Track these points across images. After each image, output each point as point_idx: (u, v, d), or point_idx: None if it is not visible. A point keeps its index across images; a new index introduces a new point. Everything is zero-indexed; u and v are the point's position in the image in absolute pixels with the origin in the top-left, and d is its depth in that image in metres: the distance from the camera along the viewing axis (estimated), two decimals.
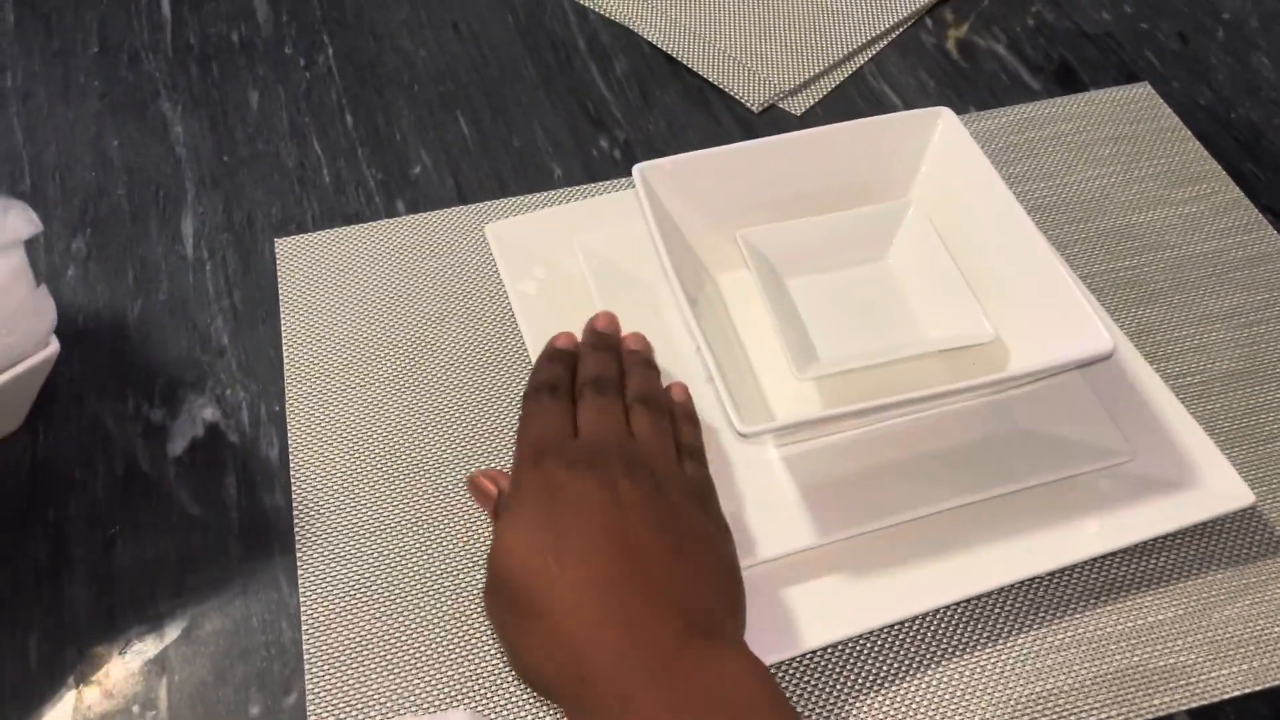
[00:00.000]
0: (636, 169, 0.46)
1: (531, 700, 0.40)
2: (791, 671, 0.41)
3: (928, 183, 0.49)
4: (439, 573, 0.43)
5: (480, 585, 0.43)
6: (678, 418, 0.43)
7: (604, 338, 0.45)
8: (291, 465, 0.46)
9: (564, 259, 0.51)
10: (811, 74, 0.62)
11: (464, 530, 0.44)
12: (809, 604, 0.40)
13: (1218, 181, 0.56)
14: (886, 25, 0.65)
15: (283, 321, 0.51)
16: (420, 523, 0.44)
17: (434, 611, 0.42)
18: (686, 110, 0.61)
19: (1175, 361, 0.49)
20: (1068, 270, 0.43)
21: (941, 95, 0.62)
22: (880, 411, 0.41)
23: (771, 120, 0.61)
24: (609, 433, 0.39)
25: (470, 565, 0.44)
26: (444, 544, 0.44)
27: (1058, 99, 0.61)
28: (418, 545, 0.44)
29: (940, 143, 0.48)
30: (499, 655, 0.41)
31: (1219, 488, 0.42)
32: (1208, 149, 0.58)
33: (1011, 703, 0.40)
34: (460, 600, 0.43)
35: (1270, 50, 0.64)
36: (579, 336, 0.46)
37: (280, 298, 0.52)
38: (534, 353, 0.48)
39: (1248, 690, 0.40)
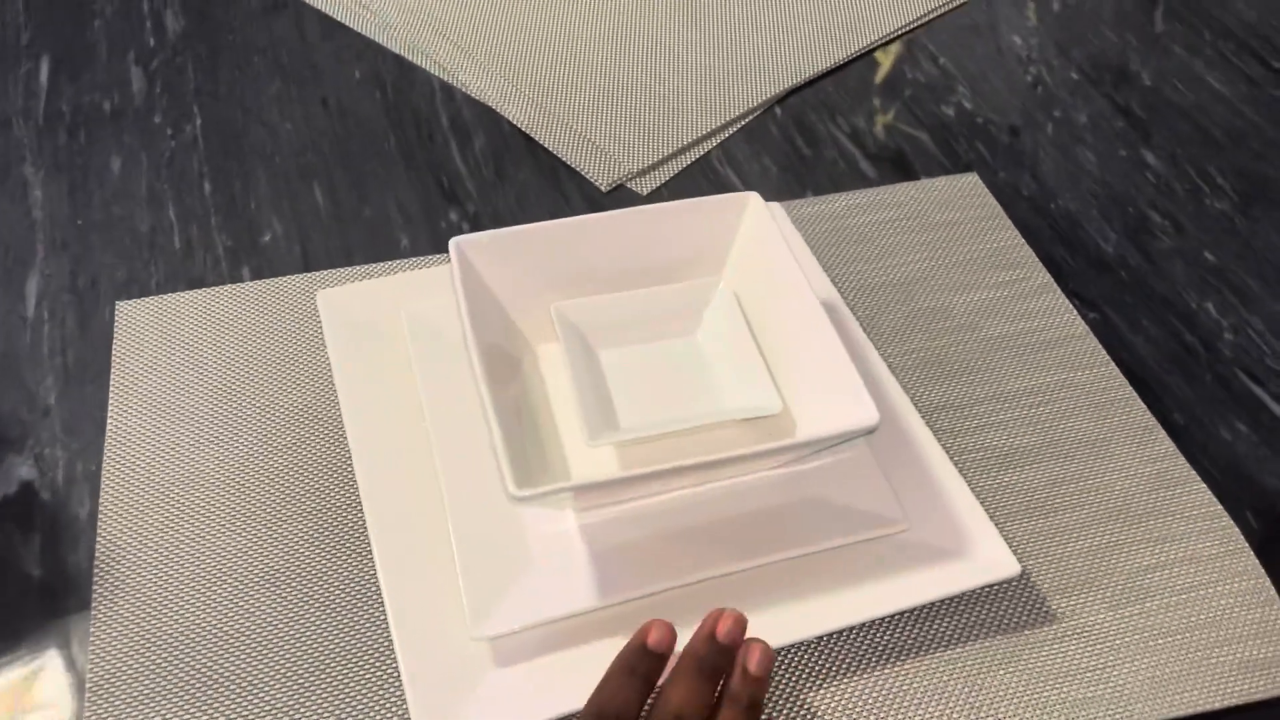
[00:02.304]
0: (452, 242, 0.48)
1: None
2: None
3: (737, 262, 0.51)
4: (231, 640, 0.44)
5: (271, 656, 0.43)
6: None
7: (716, 654, 0.38)
8: (99, 524, 0.47)
9: (391, 326, 0.52)
10: (660, 157, 0.65)
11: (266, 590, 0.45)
12: (595, 664, 0.41)
13: (1030, 268, 0.60)
14: (735, 113, 0.68)
15: (112, 381, 0.52)
16: (209, 587, 0.45)
17: (223, 677, 0.43)
18: (538, 187, 0.64)
19: (970, 436, 0.52)
20: (845, 350, 0.45)
21: (782, 180, 0.65)
22: (658, 479, 0.42)
23: (618, 199, 0.63)
24: None
25: (264, 628, 0.44)
26: (242, 609, 0.44)
27: (889, 186, 0.64)
28: (205, 611, 0.44)
29: (748, 226, 0.51)
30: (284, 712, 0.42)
31: (988, 557, 0.44)
32: (1025, 236, 0.61)
33: None
34: (252, 662, 0.43)
35: (1095, 145, 0.68)
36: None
37: (113, 358, 0.53)
38: (348, 419, 0.49)
39: None
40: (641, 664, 0.38)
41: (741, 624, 0.38)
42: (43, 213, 0.61)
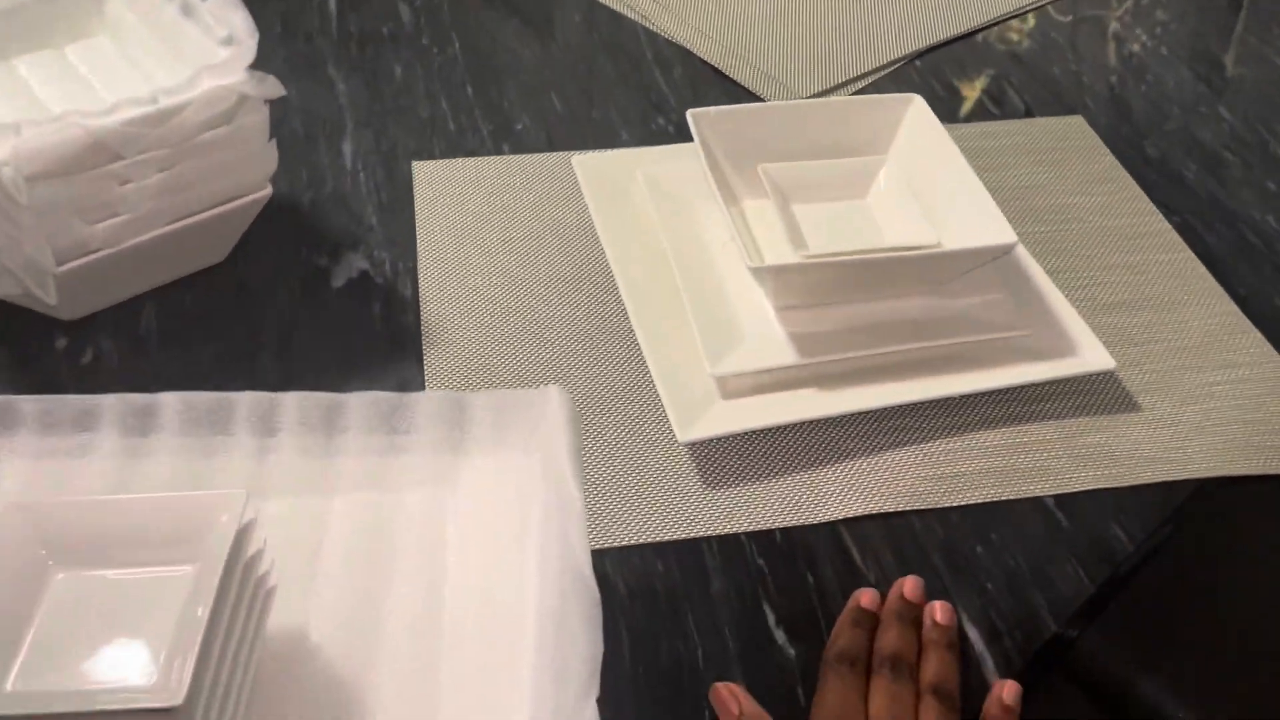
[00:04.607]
0: (690, 113, 0.64)
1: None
2: (783, 441, 0.57)
3: (901, 143, 0.67)
4: (527, 378, 0.60)
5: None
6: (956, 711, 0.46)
7: (909, 608, 0.49)
8: (420, 299, 0.64)
9: (629, 184, 0.69)
10: (823, 88, 0.81)
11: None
12: (783, 404, 0.57)
13: (1124, 183, 0.74)
14: (885, 60, 0.84)
15: (416, 210, 0.69)
16: (506, 339, 0.61)
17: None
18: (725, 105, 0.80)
19: (1076, 292, 0.66)
20: (989, 195, 0.60)
21: None
22: (845, 271, 0.58)
23: None
24: None
25: (553, 373, 0.60)
26: (521, 353, 0.61)
27: (1012, 120, 0.79)
28: (505, 352, 0.61)
29: (911, 116, 0.66)
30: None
31: (1090, 356, 0.59)
32: (1120, 162, 0.76)
33: (926, 479, 0.56)
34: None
35: (1179, 100, 0.83)
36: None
37: (415, 198, 0.70)
38: (606, 244, 0.65)
39: (1094, 487, 0.56)
40: (861, 619, 0.49)
41: (921, 583, 0.50)
42: (347, 100, 0.78)
